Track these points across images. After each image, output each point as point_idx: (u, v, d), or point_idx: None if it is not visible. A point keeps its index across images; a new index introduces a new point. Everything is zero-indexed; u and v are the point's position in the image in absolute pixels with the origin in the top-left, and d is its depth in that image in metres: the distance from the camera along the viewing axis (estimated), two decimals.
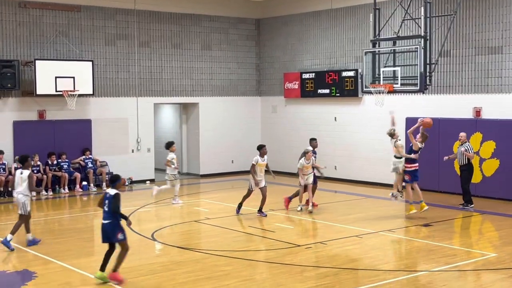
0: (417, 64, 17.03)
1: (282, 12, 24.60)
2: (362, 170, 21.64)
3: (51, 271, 11.22)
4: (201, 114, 24.21)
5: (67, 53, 20.94)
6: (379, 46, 18.52)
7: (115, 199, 10.39)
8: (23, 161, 13.12)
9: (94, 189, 20.69)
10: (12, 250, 12.61)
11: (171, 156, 18.01)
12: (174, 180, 18.06)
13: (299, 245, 12.90)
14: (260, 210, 16.18)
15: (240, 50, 25.12)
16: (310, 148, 17.18)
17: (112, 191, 10.49)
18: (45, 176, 19.88)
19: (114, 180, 10.66)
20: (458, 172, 17.26)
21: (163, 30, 23.18)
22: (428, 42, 17.08)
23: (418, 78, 16.91)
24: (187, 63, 23.79)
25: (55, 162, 20.23)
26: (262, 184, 16.08)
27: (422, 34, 16.94)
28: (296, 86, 23.74)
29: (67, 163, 20.46)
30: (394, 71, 17.73)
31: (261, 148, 16.26)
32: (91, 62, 20.82)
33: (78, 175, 20.52)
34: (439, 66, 18.78)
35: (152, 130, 23.20)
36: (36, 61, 19.77)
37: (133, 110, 22.51)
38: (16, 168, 17.99)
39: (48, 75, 19.79)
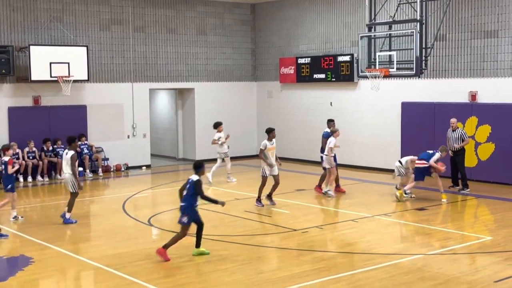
0: (413, 48, 17.03)
1: None
2: (358, 155, 21.66)
3: (47, 257, 11.25)
4: (197, 99, 24.17)
5: (62, 38, 20.83)
6: (374, 30, 18.49)
7: (197, 185, 10.72)
8: (70, 142, 13.82)
9: (90, 175, 20.68)
10: (75, 222, 13.67)
11: (217, 135, 19.04)
12: (225, 157, 19.08)
13: (295, 230, 12.94)
14: (270, 197, 15.48)
15: (236, 35, 25.03)
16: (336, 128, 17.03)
17: (194, 177, 10.83)
18: (40, 162, 19.86)
19: (198, 166, 10.97)
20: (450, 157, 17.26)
21: (158, 15, 23.08)
22: (424, 26, 17.06)
23: (414, 62, 16.91)
24: (182, 48, 23.71)
25: (50, 148, 20.20)
26: (276, 171, 15.37)
27: (418, 18, 16.91)
28: (292, 71, 23.70)
29: (62, 149, 20.41)
30: (390, 55, 17.74)
31: (270, 132, 15.55)
32: (85, 48, 20.73)
33: None
34: (434, 50, 18.76)
35: (148, 115, 23.15)
36: (31, 47, 19.68)
37: (129, 95, 22.46)
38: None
39: (42, 60, 19.70)
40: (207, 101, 24.30)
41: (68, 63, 20.08)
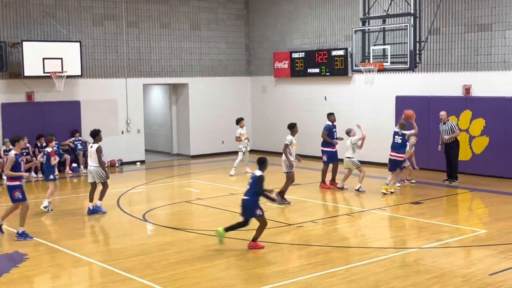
0: (407, 42, 17.02)
1: None
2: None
3: (42, 253, 11.21)
4: (191, 94, 24.11)
5: (55, 34, 20.74)
6: (368, 24, 18.47)
7: (259, 180, 11.03)
8: (94, 135, 14.39)
9: (84, 171, 20.56)
10: (104, 212, 14.17)
11: (238, 131, 19.75)
12: (245, 151, 19.73)
13: (290, 224, 12.93)
14: (283, 196, 14.96)
15: (229, 30, 24.97)
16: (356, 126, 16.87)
17: (258, 172, 11.14)
18: (34, 159, 19.77)
19: (262, 162, 11.32)
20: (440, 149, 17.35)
21: (151, 10, 22.99)
22: (417, 20, 17.05)
23: (408, 56, 16.91)
24: (176, 43, 23.64)
25: (44, 144, 20.11)
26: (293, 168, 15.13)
27: (412, 12, 16.90)
28: (286, 66, 23.66)
29: (56, 145, 20.32)
30: (384, 49, 17.73)
31: (293, 127, 15.31)
32: (78, 43, 20.64)
33: (67, 157, 20.44)
34: (428, 44, 18.75)
35: (142, 111, 23.09)
36: (23, 43, 19.57)
37: (122, 91, 22.38)
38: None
39: (35, 56, 19.61)
40: (201, 96, 24.25)
41: (61, 59, 19.98)
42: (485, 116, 18.08)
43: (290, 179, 15.09)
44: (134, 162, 22.54)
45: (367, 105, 20.98)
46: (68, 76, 20.18)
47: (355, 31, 18.31)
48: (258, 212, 11.08)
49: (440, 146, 17.36)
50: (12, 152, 12.07)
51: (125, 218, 14.12)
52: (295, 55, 23.24)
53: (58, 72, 19.84)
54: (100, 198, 14.35)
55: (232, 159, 23.37)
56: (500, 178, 17.72)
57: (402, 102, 19.91)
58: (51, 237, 12.19)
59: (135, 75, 22.69)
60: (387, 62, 17.40)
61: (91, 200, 14.36)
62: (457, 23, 18.63)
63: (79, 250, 11.32)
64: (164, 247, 11.43)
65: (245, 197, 11.17)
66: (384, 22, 18.33)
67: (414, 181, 17.15)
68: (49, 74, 19.77)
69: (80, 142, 20.95)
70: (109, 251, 11.30)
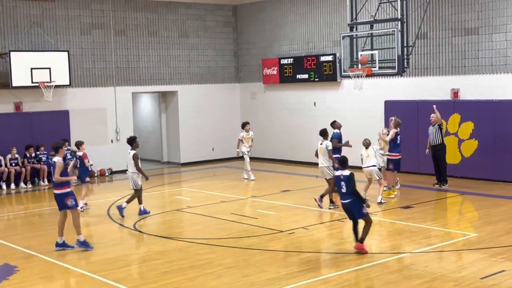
0: (395, 47, 17.08)
1: None
2: (342, 154, 21.63)
3: (32, 265, 11.13)
4: (180, 102, 24.09)
5: (42, 43, 20.68)
6: (356, 30, 18.53)
7: (352, 179, 10.93)
8: (131, 142, 15.02)
9: (74, 180, 20.45)
10: (122, 217, 14.53)
11: (241, 134, 19.80)
12: (247, 155, 19.67)
13: (281, 231, 12.92)
14: (322, 198, 15.06)
15: (218, 37, 24.99)
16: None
17: (346, 172, 11.03)
18: (23, 169, 19.68)
19: (346, 161, 11.29)
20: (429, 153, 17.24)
21: (139, 18, 22.98)
22: (405, 25, 17.12)
23: (396, 61, 16.97)
24: (165, 51, 23.63)
25: (33, 154, 20.03)
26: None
27: (399, 17, 16.97)
28: (275, 72, 23.70)
29: (45, 155, 20.25)
30: (372, 54, 17.77)
31: (326, 133, 15.29)
32: (67, 52, 20.59)
33: None
34: (416, 48, 18.84)
35: (131, 119, 23.04)
36: (11, 53, 19.50)
37: (111, 100, 22.33)
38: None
39: (23, 66, 19.54)
40: (190, 103, 24.23)
41: (50, 68, 19.93)
42: (474, 120, 18.16)
43: (330, 184, 15.08)
44: (124, 171, 22.38)
45: (356, 110, 21.03)
46: (56, 86, 20.13)
47: (343, 37, 18.37)
48: (365, 211, 11.04)
49: (427, 150, 17.40)
50: (58, 158, 11.89)
51: (115, 227, 14.06)
52: (283, 61, 23.28)
53: (47, 82, 19.77)
54: (140, 202, 14.99)
55: (223, 166, 23.41)
56: (489, 181, 17.79)
57: (391, 107, 19.98)
58: (41, 248, 12.10)
59: (124, 83, 22.65)
60: (375, 67, 17.45)
61: (140, 202, 15.03)
62: (444, 28, 18.74)
63: (69, 261, 11.25)
64: (155, 256, 11.38)
65: (345, 201, 11.04)
66: (371, 27, 18.40)
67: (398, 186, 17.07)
68: (37, 84, 19.70)
69: (70, 151, 20.82)
70: (99, 261, 11.23)
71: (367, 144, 16.07)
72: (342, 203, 11.20)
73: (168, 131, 24.86)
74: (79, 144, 15.96)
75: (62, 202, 11.96)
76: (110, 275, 10.28)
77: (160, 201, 17.52)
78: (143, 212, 14.88)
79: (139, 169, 14.79)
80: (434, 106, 17.20)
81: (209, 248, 11.79)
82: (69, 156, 20.67)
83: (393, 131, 16.24)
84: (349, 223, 13.48)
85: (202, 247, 11.82)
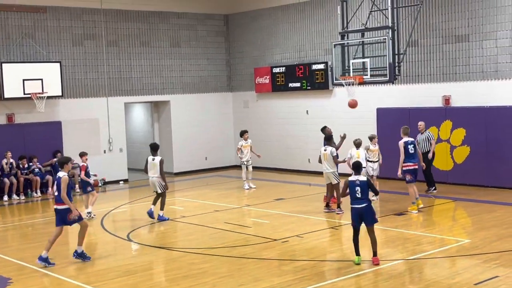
0: (386, 55, 17.15)
1: (251, 7, 24.57)
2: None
3: (26, 277, 11.09)
4: (173, 112, 24.10)
5: (34, 55, 20.67)
6: (347, 38, 18.60)
7: (371, 185, 11.12)
8: (156, 149, 15.75)
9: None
10: (167, 219, 15.33)
11: (240, 143, 19.72)
12: (245, 165, 19.60)
13: (275, 239, 12.92)
14: (327, 205, 15.53)
15: (210, 47, 25.04)
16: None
17: (363, 177, 11.06)
18: (15, 181, 19.61)
19: (360, 166, 11.29)
20: (422, 161, 16.76)
21: (131, 28, 23.01)
22: (396, 32, 17.20)
23: (387, 68, 17.03)
24: (157, 61, 23.66)
25: (26, 165, 19.97)
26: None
27: (390, 25, 17.05)
28: (267, 81, 23.75)
29: (38, 167, 20.22)
30: (363, 62, 17.83)
31: (331, 138, 15.56)
32: (59, 63, 20.59)
33: (50, 178, 20.27)
34: (407, 56, 18.93)
35: (124, 130, 23.03)
36: (3, 64, 19.49)
37: (104, 110, 22.32)
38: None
39: (15, 78, 19.53)
40: (183, 113, 24.25)
41: (42, 80, 19.92)
42: (465, 126, 18.25)
43: (337, 189, 15.26)
44: (117, 181, 22.44)
45: (348, 118, 21.07)
46: (48, 97, 20.12)
47: (334, 45, 18.42)
48: (376, 217, 11.15)
49: (423, 164, 16.47)
50: (63, 173, 11.69)
51: (109, 238, 14.03)
52: (275, 70, 23.35)
53: (39, 93, 19.76)
54: (161, 208, 15.44)
55: (216, 175, 23.40)
56: (482, 187, 17.86)
57: (383, 114, 20.06)
58: (34, 260, 12.04)
59: (116, 94, 22.65)
60: (367, 75, 17.52)
61: (162, 208, 15.51)
62: (435, 35, 18.85)
63: (63, 272, 11.21)
64: (149, 266, 11.36)
65: (360, 205, 10.88)
66: (362, 35, 18.48)
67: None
68: (29, 95, 19.68)
69: None
70: (93, 272, 11.20)
71: (358, 144, 16.22)
72: (354, 208, 10.94)
73: (161, 140, 24.82)
74: (81, 155, 16.22)
75: (63, 218, 11.72)
76: (104, 286, 10.27)
77: (153, 211, 17.46)
78: (163, 218, 15.39)
79: (162, 175, 15.49)
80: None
81: (203, 257, 11.78)
82: None
83: (401, 142, 15.50)
84: (343, 231, 13.57)
85: (196, 257, 11.81)
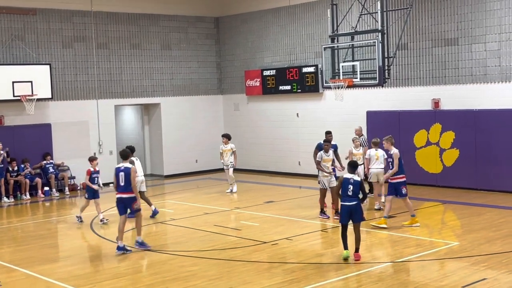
0: (376, 58, 17.22)
1: (241, 10, 24.60)
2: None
3: (15, 279, 11.05)
4: (163, 114, 24.08)
5: (24, 57, 20.61)
6: (337, 41, 18.67)
7: (363, 185, 11.48)
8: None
9: (57, 194, 20.38)
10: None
11: (220, 147, 19.65)
12: (225, 169, 19.54)
13: (265, 242, 12.93)
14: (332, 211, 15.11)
15: (200, 49, 25.05)
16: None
17: (357, 177, 11.41)
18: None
19: (356, 166, 11.73)
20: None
21: (121, 31, 22.98)
22: (385, 36, 17.28)
23: (377, 71, 17.09)
24: (147, 64, 23.64)
25: (15, 168, 19.90)
26: (334, 183, 14.75)
27: (379, 28, 17.12)
28: (258, 84, 23.79)
29: (30, 170, 20.15)
30: (353, 65, 17.90)
31: (321, 146, 15.18)
32: (48, 66, 20.54)
33: (39, 180, 20.21)
34: (397, 59, 19.02)
35: (114, 132, 22.98)
36: None
37: (94, 112, 22.27)
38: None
39: (5, 80, 19.48)
40: (173, 116, 24.23)
41: (31, 82, 19.86)
42: (455, 129, 18.34)
43: (323, 195, 15.16)
44: (107, 184, 22.32)
45: (338, 120, 21.14)
46: (38, 99, 20.06)
47: (324, 48, 18.49)
48: (364, 216, 11.56)
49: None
50: (129, 165, 12.63)
51: (98, 241, 14.00)
52: (266, 73, 23.38)
53: (28, 95, 19.70)
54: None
55: (206, 178, 23.39)
56: (471, 190, 17.95)
57: (373, 117, 20.13)
58: (23, 263, 12.01)
59: (106, 96, 22.61)
60: (357, 78, 17.58)
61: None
62: (425, 38, 18.95)
63: (52, 275, 11.17)
64: (139, 269, 11.35)
65: (350, 203, 11.21)
66: (352, 38, 18.55)
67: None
68: (19, 98, 19.61)
69: (52, 165, 20.74)
70: (82, 275, 11.17)
71: (376, 144, 15.75)
72: (344, 205, 11.29)
73: (151, 143, 24.82)
74: (90, 160, 16.03)
75: (127, 206, 12.54)
76: None
77: (143, 213, 17.41)
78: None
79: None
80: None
81: (192, 260, 11.78)
82: (51, 170, 20.61)
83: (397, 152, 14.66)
84: (333, 233, 13.60)
85: (185, 259, 11.80)
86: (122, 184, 12.42)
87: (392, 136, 14.67)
